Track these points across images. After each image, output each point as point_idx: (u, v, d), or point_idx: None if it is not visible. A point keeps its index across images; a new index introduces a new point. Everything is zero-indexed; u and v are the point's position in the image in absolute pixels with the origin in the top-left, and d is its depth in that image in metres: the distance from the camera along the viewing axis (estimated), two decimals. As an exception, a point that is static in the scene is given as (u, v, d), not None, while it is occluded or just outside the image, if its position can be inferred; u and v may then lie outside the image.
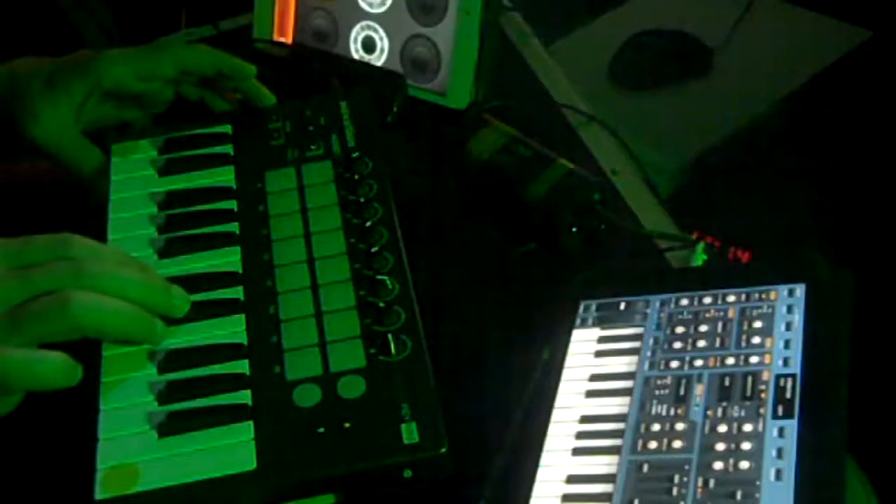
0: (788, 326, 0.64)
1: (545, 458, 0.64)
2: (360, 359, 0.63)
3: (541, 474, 0.63)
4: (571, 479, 0.62)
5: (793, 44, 1.59)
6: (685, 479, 0.58)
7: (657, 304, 0.69)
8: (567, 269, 0.78)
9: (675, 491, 0.58)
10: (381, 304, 0.65)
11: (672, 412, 0.62)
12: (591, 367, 0.68)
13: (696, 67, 1.57)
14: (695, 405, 0.62)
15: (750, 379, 0.62)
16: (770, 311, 0.65)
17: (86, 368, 0.58)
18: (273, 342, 0.64)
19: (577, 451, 0.63)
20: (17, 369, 0.55)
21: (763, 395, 0.61)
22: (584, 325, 0.71)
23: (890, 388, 1.11)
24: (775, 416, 0.59)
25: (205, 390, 0.62)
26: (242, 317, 0.66)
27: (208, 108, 0.82)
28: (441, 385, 0.62)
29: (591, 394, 0.66)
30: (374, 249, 0.68)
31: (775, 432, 0.59)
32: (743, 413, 0.60)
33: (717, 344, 0.65)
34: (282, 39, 0.99)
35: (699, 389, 0.63)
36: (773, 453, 0.57)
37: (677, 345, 0.66)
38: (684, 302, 0.69)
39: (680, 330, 0.67)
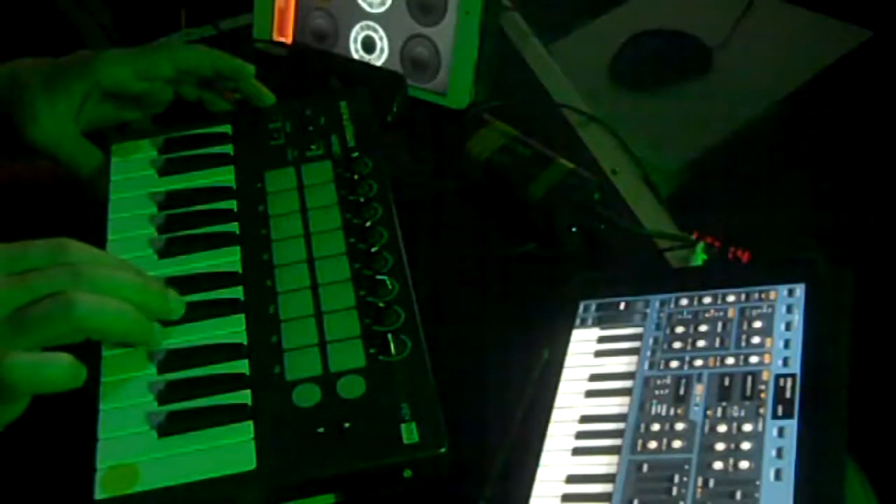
0: (788, 326, 0.64)
1: (545, 458, 0.64)
2: (360, 359, 0.63)
3: (541, 474, 0.63)
4: (571, 479, 0.62)
5: (793, 44, 1.59)
6: (685, 478, 0.58)
7: (657, 304, 0.69)
8: (567, 269, 0.78)
9: (674, 491, 0.58)
10: (381, 304, 0.65)
11: (672, 412, 0.62)
12: (590, 367, 0.68)
13: (696, 67, 1.57)
14: (694, 405, 0.62)
15: (750, 379, 0.62)
16: (770, 310, 0.65)
17: (87, 364, 0.58)
18: (273, 342, 0.65)
19: (576, 451, 0.63)
20: (25, 373, 0.55)
21: (763, 395, 0.61)
22: (583, 325, 0.71)
23: (890, 388, 1.11)
24: (775, 416, 0.59)
25: (204, 390, 0.62)
26: (242, 317, 0.66)
27: (207, 109, 0.82)
28: (441, 385, 0.62)
29: (590, 394, 0.66)
30: (373, 249, 0.68)
31: (775, 432, 0.59)
32: (743, 413, 0.60)
33: (717, 344, 0.65)
34: (282, 39, 0.99)
35: (699, 389, 0.63)
36: (773, 453, 0.57)
37: (677, 345, 0.66)
38: (684, 302, 0.69)
39: (680, 330, 0.67)
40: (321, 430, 0.60)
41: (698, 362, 0.64)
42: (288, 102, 0.81)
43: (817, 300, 0.65)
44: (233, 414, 0.61)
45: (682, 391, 0.63)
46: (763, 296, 0.66)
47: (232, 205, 0.73)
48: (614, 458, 0.61)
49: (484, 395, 0.70)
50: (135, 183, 0.75)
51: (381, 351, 0.63)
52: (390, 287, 0.66)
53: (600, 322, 0.70)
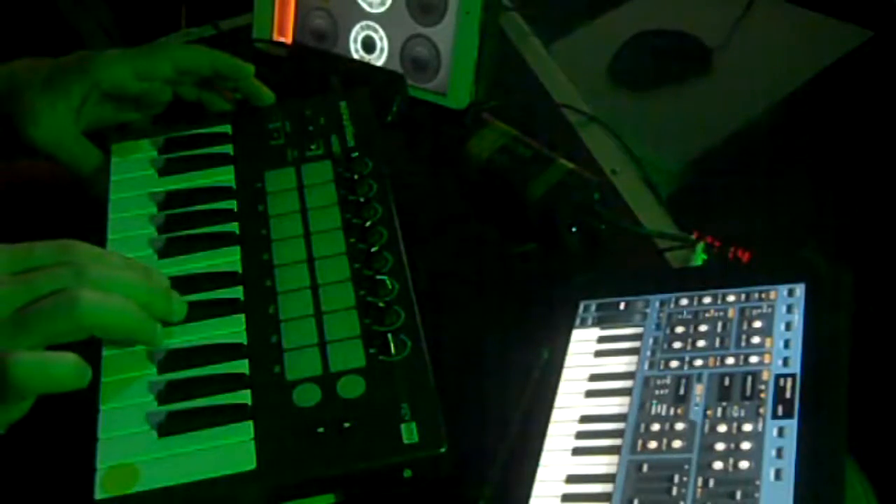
0: (788, 326, 0.64)
1: (545, 458, 0.64)
2: (360, 359, 0.63)
3: (540, 474, 0.63)
4: (571, 479, 0.62)
5: (793, 44, 1.59)
6: (685, 478, 0.58)
7: (657, 304, 0.69)
8: (567, 269, 0.78)
9: (674, 491, 0.58)
10: (381, 304, 0.65)
11: (672, 412, 0.62)
12: (590, 367, 0.68)
13: (696, 67, 1.57)
14: (694, 405, 0.62)
15: (750, 379, 0.62)
16: (770, 310, 0.65)
17: (90, 368, 0.58)
18: (273, 342, 0.64)
19: (576, 451, 0.63)
20: (32, 372, 0.54)
21: (763, 395, 0.61)
22: (583, 324, 0.71)
23: (890, 388, 1.11)
24: (775, 416, 0.59)
25: (204, 390, 0.62)
26: (242, 317, 0.66)
27: (206, 109, 0.82)
28: (441, 385, 0.62)
29: (590, 394, 0.66)
30: (373, 249, 0.68)
31: (775, 432, 0.59)
32: (742, 413, 0.60)
33: (717, 344, 0.65)
34: (281, 39, 0.99)
35: (699, 389, 0.63)
36: (773, 453, 0.57)
37: (677, 345, 0.66)
38: (684, 302, 0.69)
39: (680, 330, 0.67)
40: (321, 429, 0.60)
41: (698, 362, 0.64)
42: (288, 102, 0.81)
43: (817, 300, 0.65)
44: (233, 414, 0.61)
45: (682, 391, 0.63)
46: (763, 296, 0.66)
47: (232, 205, 0.73)
48: (614, 458, 0.61)
49: (484, 395, 0.70)
50: (135, 183, 0.75)
51: (381, 351, 0.63)
52: (390, 287, 0.66)
53: (600, 322, 0.70)
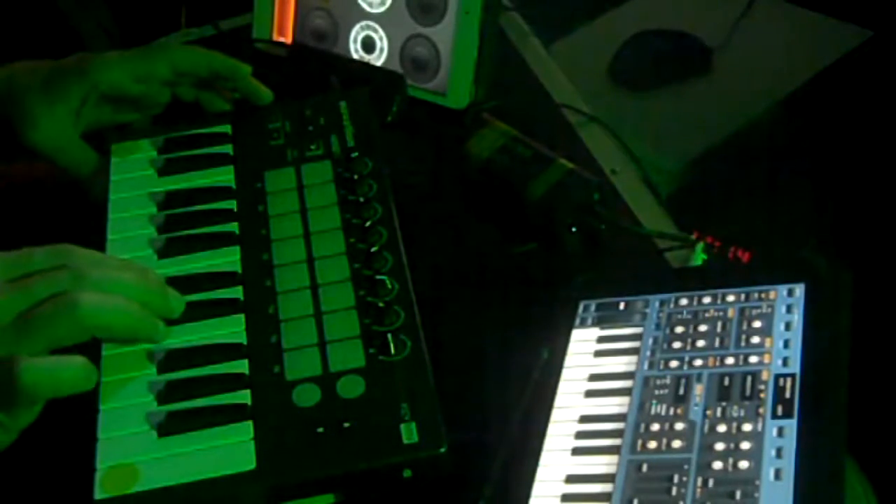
0: (788, 326, 0.64)
1: (545, 458, 0.64)
2: (360, 359, 0.63)
3: (540, 474, 0.63)
4: (571, 479, 0.62)
5: (793, 44, 1.59)
6: (684, 478, 0.58)
7: (656, 304, 0.69)
8: (567, 269, 0.78)
9: (674, 490, 0.58)
10: (381, 304, 0.65)
11: (671, 412, 0.62)
12: (590, 367, 0.68)
13: (696, 67, 1.57)
14: (694, 405, 0.62)
15: (749, 379, 0.62)
16: (769, 310, 0.65)
17: (97, 370, 0.58)
18: (273, 342, 0.65)
19: (576, 451, 0.63)
20: (41, 378, 0.54)
21: (762, 395, 0.61)
22: (583, 324, 0.71)
23: (890, 388, 1.11)
24: (775, 416, 0.59)
25: (204, 390, 0.62)
26: (242, 317, 0.66)
27: (205, 109, 0.82)
28: (441, 385, 0.62)
29: (590, 393, 0.66)
30: (373, 249, 0.68)
31: (775, 432, 0.59)
32: (742, 413, 0.60)
33: (717, 344, 0.65)
34: (281, 39, 0.99)
35: (698, 389, 0.63)
36: (773, 453, 0.57)
37: (677, 344, 0.66)
38: (684, 302, 0.69)
39: (679, 330, 0.67)
40: (321, 429, 0.60)
41: (698, 362, 0.64)
42: (288, 102, 0.81)
43: (817, 300, 0.65)
44: (232, 414, 0.61)
45: (681, 391, 0.63)
46: (763, 296, 0.66)
47: (232, 205, 0.73)
48: (614, 458, 0.61)
49: (483, 395, 0.70)
50: (135, 183, 0.75)
51: (381, 351, 0.63)
52: (390, 287, 0.66)
53: (600, 322, 0.70)
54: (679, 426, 0.61)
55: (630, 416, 0.63)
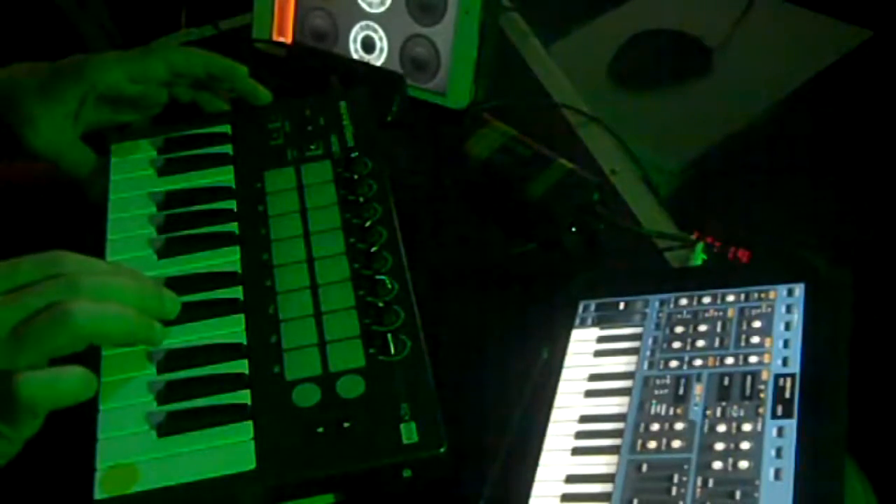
0: (787, 326, 0.64)
1: (544, 458, 0.64)
2: (360, 358, 0.63)
3: (540, 474, 0.63)
4: (571, 479, 0.62)
5: (793, 44, 1.59)
6: (684, 478, 0.58)
7: (656, 304, 0.69)
8: (567, 269, 0.78)
9: (674, 490, 0.58)
10: (381, 304, 0.65)
11: (671, 412, 0.62)
12: (590, 367, 0.68)
13: (696, 67, 1.57)
14: (694, 405, 0.62)
15: (749, 378, 0.62)
16: (769, 310, 0.65)
17: (85, 367, 0.58)
18: (272, 342, 0.64)
19: (576, 451, 0.63)
20: (42, 391, 0.54)
21: (762, 395, 0.61)
22: (583, 324, 0.71)
23: (890, 388, 1.11)
24: (774, 416, 0.59)
25: (204, 390, 0.62)
26: (242, 317, 0.66)
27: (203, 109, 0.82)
28: (440, 385, 0.62)
29: (590, 393, 0.66)
30: (373, 249, 0.68)
31: (774, 432, 0.59)
32: (742, 413, 0.60)
33: (717, 344, 0.65)
34: (281, 39, 0.99)
35: (698, 389, 0.63)
36: (773, 453, 0.57)
37: (676, 344, 0.66)
38: (683, 302, 0.69)
39: (679, 330, 0.67)
40: (321, 429, 0.60)
41: (698, 362, 0.64)
42: (287, 102, 0.81)
43: (817, 300, 0.65)
44: (232, 414, 0.61)
45: (681, 391, 0.63)
46: (762, 295, 0.66)
47: (231, 205, 0.73)
48: (614, 458, 0.61)
49: (484, 395, 0.70)
50: (134, 183, 0.75)
51: (381, 351, 0.63)
52: (390, 287, 0.66)
53: (600, 322, 0.70)
54: (679, 426, 0.61)
55: (630, 416, 0.63)
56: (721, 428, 0.60)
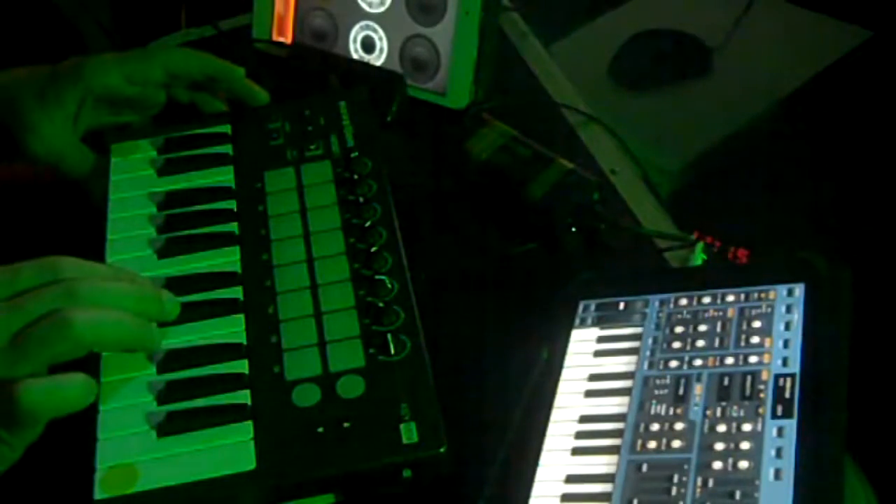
0: (787, 326, 0.64)
1: (544, 458, 0.64)
2: (360, 358, 0.63)
3: (540, 474, 0.63)
4: (571, 479, 0.62)
5: (793, 44, 1.59)
6: (684, 478, 0.58)
7: (656, 304, 0.69)
8: (566, 269, 0.78)
9: (674, 490, 0.58)
10: (381, 304, 0.65)
11: (671, 412, 0.62)
12: (590, 367, 0.68)
13: (696, 67, 1.57)
14: (694, 405, 0.62)
15: (749, 378, 0.62)
16: (769, 310, 0.65)
17: (85, 369, 0.58)
18: (272, 342, 0.65)
19: (576, 451, 0.63)
20: (42, 399, 0.54)
21: (762, 395, 0.61)
22: (583, 324, 0.71)
23: (890, 388, 1.11)
24: (774, 416, 0.59)
25: (204, 390, 0.62)
26: (242, 317, 0.66)
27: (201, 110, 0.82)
28: (440, 385, 0.62)
29: (590, 393, 0.66)
30: (373, 249, 0.68)
31: (774, 432, 0.59)
32: (742, 413, 0.60)
33: (717, 344, 0.65)
34: (281, 39, 0.99)
35: (698, 389, 0.63)
36: (773, 453, 0.57)
37: (676, 344, 0.66)
38: (683, 302, 0.69)
39: (679, 330, 0.67)
40: (321, 429, 0.60)
41: (698, 362, 0.64)
42: (287, 102, 0.81)
43: (817, 300, 0.65)
44: (232, 414, 0.61)
45: (681, 391, 0.63)
46: (762, 295, 0.66)
47: (231, 205, 0.73)
48: (614, 458, 0.61)
49: (484, 395, 0.70)
50: (134, 183, 0.75)
51: (381, 351, 0.63)
52: (390, 287, 0.66)
53: (600, 322, 0.70)
54: (679, 426, 0.61)
55: (630, 416, 0.63)
56: (721, 428, 0.60)
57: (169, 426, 0.60)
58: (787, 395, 0.60)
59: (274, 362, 0.63)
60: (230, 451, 0.59)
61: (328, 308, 0.66)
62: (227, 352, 0.64)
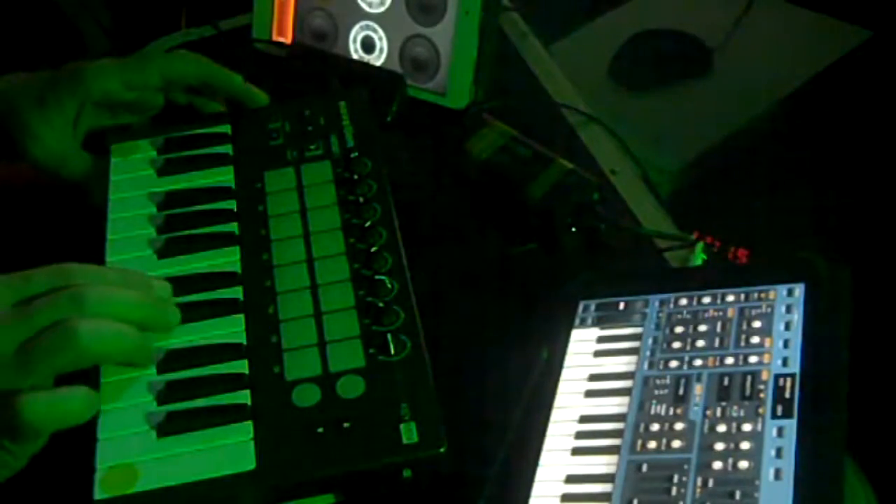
0: (787, 326, 0.64)
1: (544, 458, 0.64)
2: (360, 359, 0.63)
3: (540, 474, 0.63)
4: (571, 479, 0.62)
5: (793, 44, 1.59)
6: (684, 478, 0.58)
7: (656, 304, 0.69)
8: (566, 269, 0.78)
9: (674, 491, 0.58)
10: (381, 304, 0.65)
11: (671, 412, 0.62)
12: (590, 367, 0.68)
13: (696, 67, 1.57)
14: (694, 405, 0.62)
15: (749, 378, 0.62)
16: (769, 310, 0.65)
17: (85, 372, 0.58)
18: (272, 342, 0.64)
19: (576, 451, 0.63)
20: (44, 413, 0.55)
21: (762, 395, 0.61)
22: (583, 324, 0.71)
23: (890, 388, 1.11)
24: (774, 416, 0.59)
25: (204, 390, 0.62)
26: (242, 317, 0.66)
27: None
28: (440, 385, 0.62)
29: (590, 393, 0.66)
30: (373, 249, 0.68)
31: (774, 432, 0.59)
32: (742, 413, 0.60)
33: (717, 344, 0.65)
34: (281, 39, 0.99)
35: (698, 389, 0.63)
36: (773, 453, 0.57)
37: (676, 344, 0.66)
38: (683, 302, 0.69)
39: (679, 330, 0.67)
40: (321, 430, 0.60)
41: (698, 362, 0.64)
42: (287, 103, 0.81)
43: (816, 300, 0.65)
44: (232, 414, 0.61)
45: (681, 391, 0.63)
46: (762, 296, 0.66)
47: (231, 205, 0.73)
48: (614, 458, 0.61)
49: (483, 395, 0.70)
50: (134, 183, 0.75)
51: (381, 351, 0.63)
52: (390, 287, 0.66)
53: (600, 322, 0.70)
54: (679, 426, 0.61)
55: (630, 416, 0.63)
56: (721, 428, 0.60)
57: (169, 426, 0.60)
58: (787, 395, 0.60)
59: (274, 362, 0.63)
60: (230, 451, 0.59)
61: (328, 308, 0.66)
62: (227, 352, 0.64)
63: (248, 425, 0.60)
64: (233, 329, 0.65)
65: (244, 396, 0.62)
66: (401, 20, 0.93)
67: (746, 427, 0.59)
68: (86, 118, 0.77)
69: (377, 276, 0.67)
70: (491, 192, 0.84)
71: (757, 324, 0.65)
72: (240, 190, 0.74)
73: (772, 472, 0.57)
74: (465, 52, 0.90)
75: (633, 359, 0.67)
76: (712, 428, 0.60)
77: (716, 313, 0.67)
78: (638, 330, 0.68)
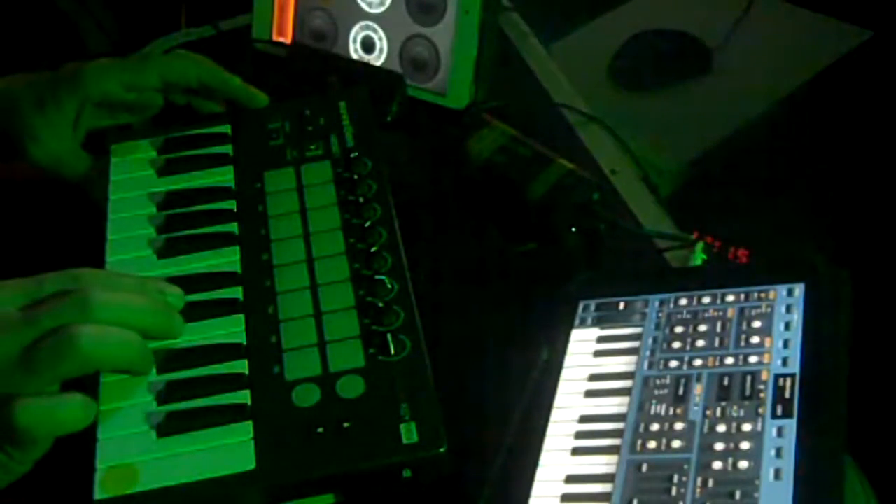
0: (787, 326, 0.64)
1: (544, 458, 0.64)
2: (360, 359, 0.63)
3: (540, 474, 0.63)
4: (570, 479, 0.62)
5: (793, 44, 1.59)
6: (684, 478, 0.58)
7: (656, 304, 0.69)
8: (567, 269, 0.78)
9: (674, 491, 0.58)
10: (381, 304, 0.65)
11: (671, 412, 0.62)
12: (590, 367, 0.68)
13: (696, 67, 1.57)
14: (694, 405, 0.62)
15: (749, 378, 0.62)
16: (769, 310, 0.65)
17: (96, 404, 0.58)
18: (272, 342, 0.64)
19: (576, 451, 0.63)
20: (39, 419, 0.55)
21: (762, 395, 0.61)
22: (583, 325, 0.71)
23: (890, 388, 1.11)
24: (774, 416, 0.59)
25: (204, 390, 0.62)
26: (241, 317, 0.66)
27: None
28: (440, 385, 0.62)
29: (590, 394, 0.66)
30: (373, 249, 0.68)
31: (774, 432, 0.59)
32: (742, 413, 0.60)
33: (716, 344, 0.65)
34: (281, 39, 0.99)
35: (698, 389, 0.63)
36: (772, 453, 0.58)
37: (676, 344, 0.66)
38: (683, 302, 0.69)
39: (679, 330, 0.67)
40: (320, 430, 0.60)
41: (697, 362, 0.64)
42: (287, 102, 0.81)
43: (816, 300, 0.65)
44: (232, 414, 0.61)
45: (681, 391, 0.63)
46: (762, 296, 0.66)
47: (231, 205, 0.73)
48: (613, 458, 0.61)
49: (484, 395, 0.70)
50: (134, 183, 0.75)
51: (381, 351, 0.63)
52: (389, 287, 0.66)
53: (600, 322, 0.70)
54: (679, 426, 0.61)
55: (630, 416, 0.63)
56: (721, 428, 0.60)
57: (169, 426, 0.60)
58: (787, 395, 0.60)
59: (274, 362, 0.63)
60: (230, 451, 0.59)
61: (328, 308, 0.66)
62: (227, 352, 0.64)
63: (248, 425, 0.60)
64: (233, 329, 0.65)
65: (244, 396, 0.62)
66: (401, 20, 0.93)
67: (746, 427, 0.59)
68: (85, 119, 0.77)
69: (377, 276, 0.67)
70: (491, 191, 0.84)
71: (757, 324, 0.65)
72: (240, 190, 0.74)
73: (772, 472, 0.57)
74: (465, 52, 0.90)
75: (632, 359, 0.67)
76: (712, 428, 0.60)
77: (716, 313, 0.67)
78: (638, 330, 0.68)
